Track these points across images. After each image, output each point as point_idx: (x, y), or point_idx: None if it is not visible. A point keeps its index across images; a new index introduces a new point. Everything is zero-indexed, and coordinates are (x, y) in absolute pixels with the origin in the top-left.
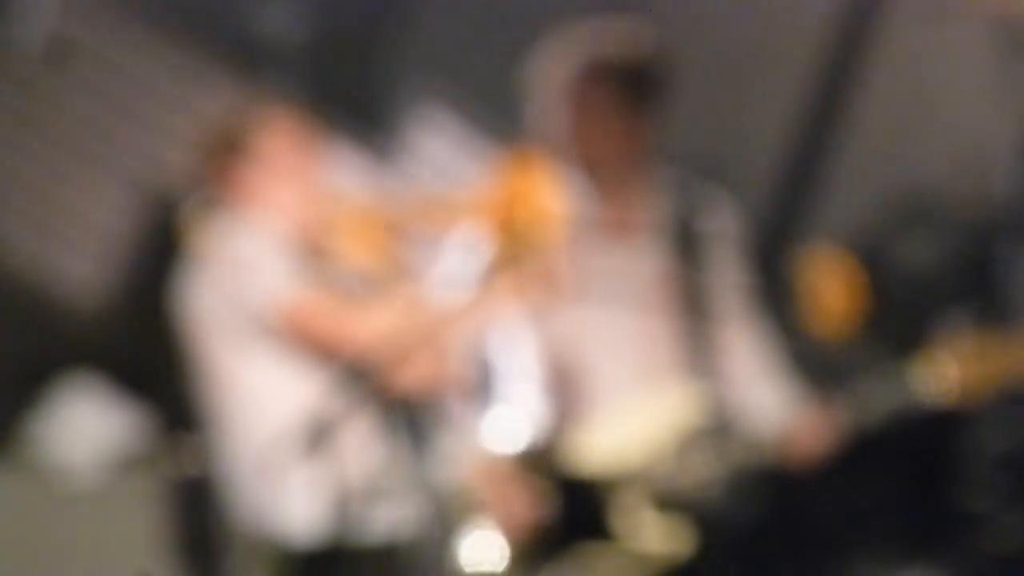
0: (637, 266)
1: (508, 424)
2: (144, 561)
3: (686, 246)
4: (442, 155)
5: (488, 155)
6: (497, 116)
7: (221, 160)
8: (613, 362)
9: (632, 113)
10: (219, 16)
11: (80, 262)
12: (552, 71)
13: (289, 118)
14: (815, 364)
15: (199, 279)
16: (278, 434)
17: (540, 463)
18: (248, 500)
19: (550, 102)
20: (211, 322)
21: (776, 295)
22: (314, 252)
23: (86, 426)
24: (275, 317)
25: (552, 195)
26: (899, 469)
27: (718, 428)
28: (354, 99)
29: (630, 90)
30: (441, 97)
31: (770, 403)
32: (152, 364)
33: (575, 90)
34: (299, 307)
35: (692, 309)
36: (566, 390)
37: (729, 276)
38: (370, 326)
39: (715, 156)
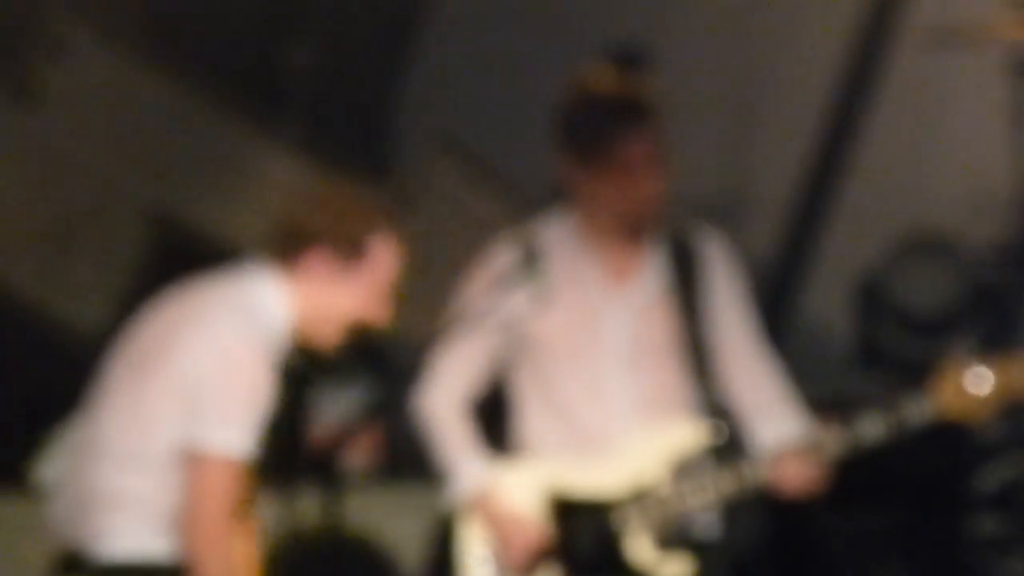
0: (636, 305)
1: (509, 458)
2: None
3: (682, 275)
4: (455, 195)
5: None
6: (509, 156)
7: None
8: (617, 392)
9: (657, 151)
10: (234, 55)
11: (86, 300)
12: (558, 114)
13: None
14: (815, 394)
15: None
16: None
17: (544, 493)
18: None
19: (578, 148)
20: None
21: (781, 326)
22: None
23: None
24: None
25: None
26: (905, 495)
27: (717, 455)
28: (362, 140)
29: (658, 129)
30: (452, 137)
31: (772, 434)
32: None
33: (620, 135)
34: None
35: (691, 340)
36: (566, 423)
37: (727, 302)
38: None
39: (724, 193)
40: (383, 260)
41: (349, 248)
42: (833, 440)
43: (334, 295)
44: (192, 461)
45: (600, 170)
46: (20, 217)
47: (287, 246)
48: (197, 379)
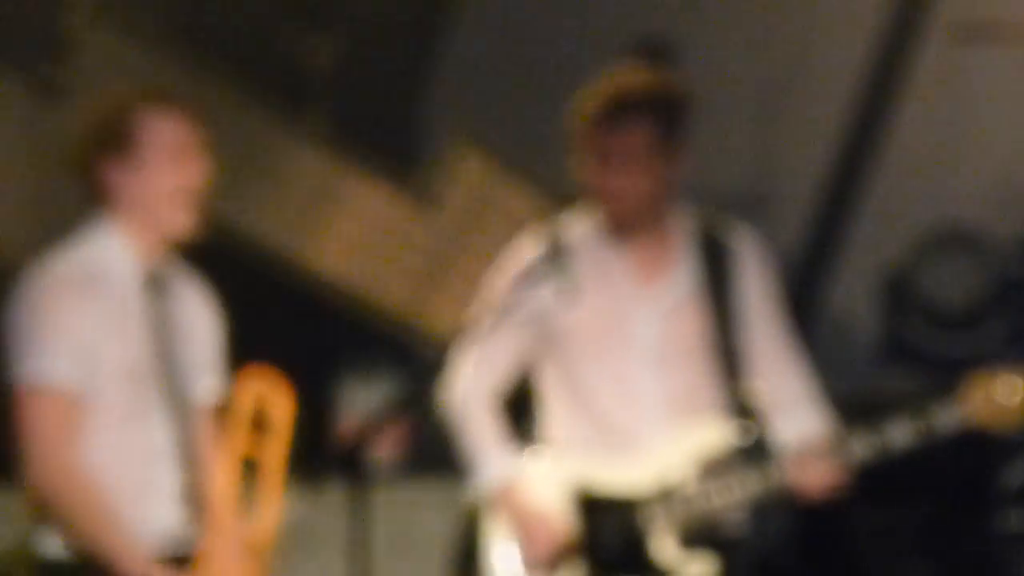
0: (667, 304)
1: (534, 454)
2: None
3: (714, 274)
4: (481, 189)
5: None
6: (535, 151)
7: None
8: (645, 391)
9: (655, 143)
10: (259, 49)
11: None
12: (582, 110)
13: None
14: (842, 393)
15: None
16: None
17: (570, 489)
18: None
19: (580, 141)
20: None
21: (808, 321)
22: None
23: None
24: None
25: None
26: (932, 492)
27: (745, 454)
28: (389, 134)
29: (655, 124)
30: (479, 132)
31: (799, 432)
32: None
33: (603, 128)
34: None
35: (721, 338)
36: (593, 420)
37: (758, 300)
38: (69, 499)
39: (752, 188)
40: (157, 130)
41: (115, 141)
42: (861, 445)
43: (141, 186)
44: (14, 402)
45: (587, 162)
46: (39, 211)
47: (83, 179)
48: (11, 327)
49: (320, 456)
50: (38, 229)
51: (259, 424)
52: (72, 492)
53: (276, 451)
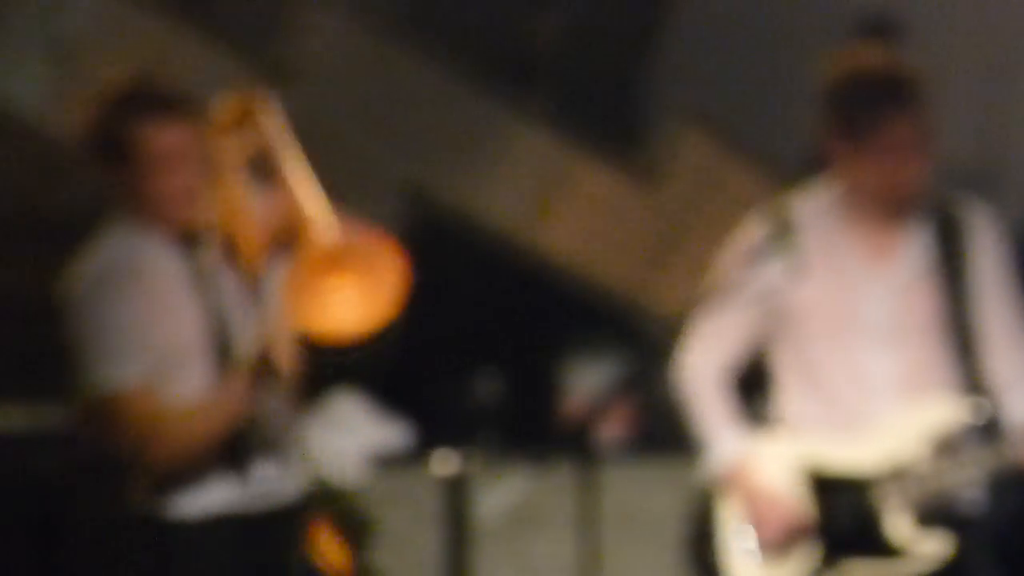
0: (897, 284)
1: (767, 432)
2: None
3: (947, 250)
4: (706, 167)
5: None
6: (758, 128)
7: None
8: (876, 369)
9: (921, 127)
10: (485, 29)
11: None
12: (825, 87)
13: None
14: None
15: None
16: None
17: (802, 468)
18: None
19: (835, 122)
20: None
21: None
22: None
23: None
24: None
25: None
26: None
27: (979, 432)
28: (611, 113)
29: (920, 111)
30: (703, 109)
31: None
32: None
33: (873, 114)
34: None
35: (955, 316)
36: (824, 399)
37: (991, 277)
38: (186, 431)
39: (982, 163)
40: (152, 138)
41: (114, 152)
42: None
43: (146, 189)
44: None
45: (865, 148)
46: None
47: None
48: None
49: (548, 436)
50: None
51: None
52: (180, 431)
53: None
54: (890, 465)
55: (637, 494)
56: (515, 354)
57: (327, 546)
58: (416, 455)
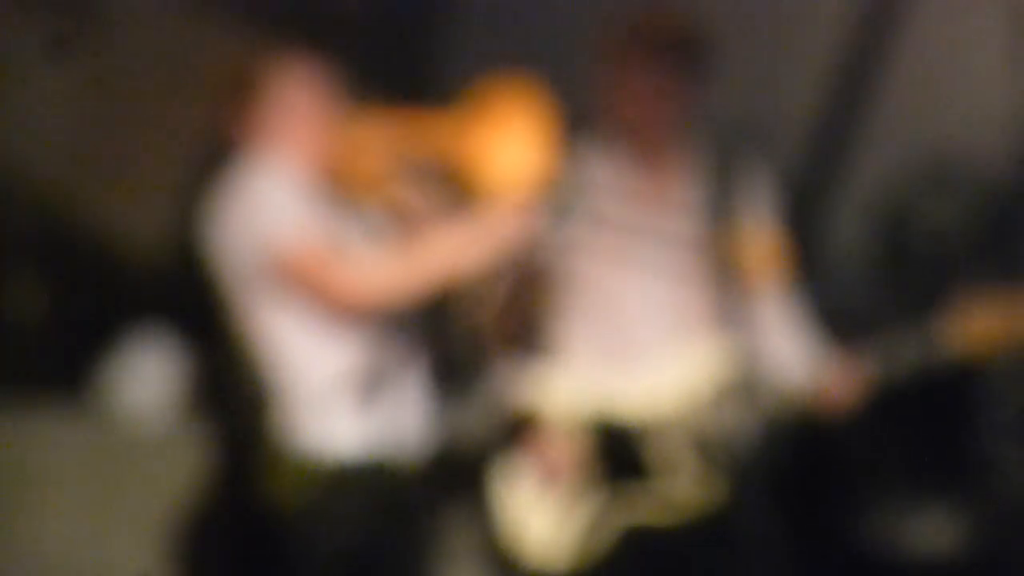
0: (672, 228)
1: (549, 375)
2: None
3: (720, 205)
4: None
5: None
6: (551, 85)
7: (236, 102)
8: (650, 316)
9: (676, 78)
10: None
11: (142, 215)
12: (602, 41)
13: (306, 62)
14: (841, 319)
15: (222, 225)
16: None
17: (583, 404)
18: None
19: (599, 69)
20: (235, 269)
21: (805, 252)
22: (332, 194)
23: (152, 374)
24: (271, 261)
25: (527, 149)
26: (922, 419)
27: (750, 379)
28: (406, 71)
29: (675, 55)
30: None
31: (799, 355)
32: (205, 313)
33: (622, 55)
34: (296, 253)
35: (725, 267)
36: (604, 342)
37: (761, 231)
38: (370, 279)
39: (746, 118)
40: (282, 83)
41: (240, 95)
42: (873, 361)
43: (277, 132)
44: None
45: (621, 88)
46: None
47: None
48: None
49: None
50: None
51: None
52: (401, 271)
53: None
54: (670, 411)
55: None
56: None
57: None
58: None
